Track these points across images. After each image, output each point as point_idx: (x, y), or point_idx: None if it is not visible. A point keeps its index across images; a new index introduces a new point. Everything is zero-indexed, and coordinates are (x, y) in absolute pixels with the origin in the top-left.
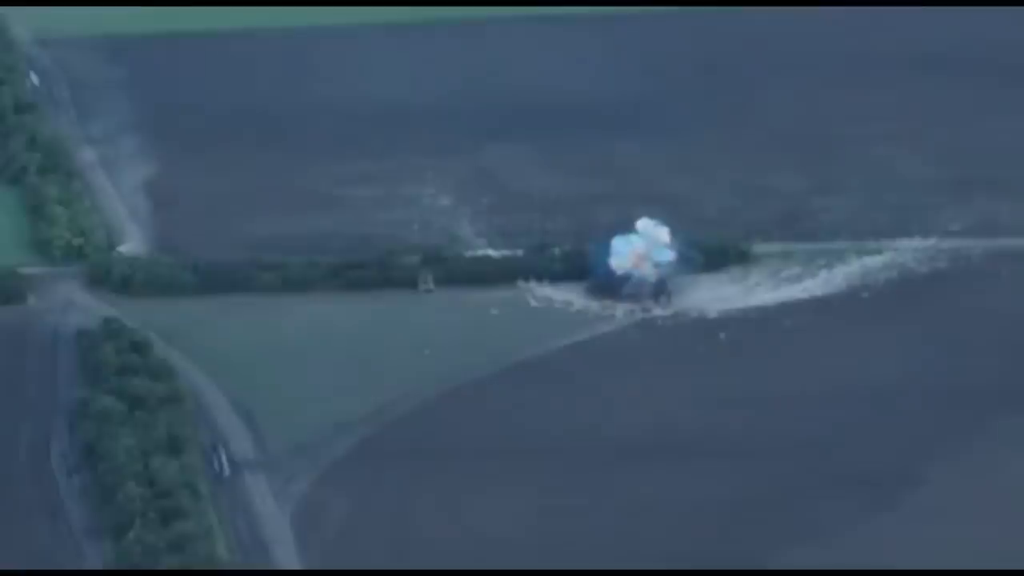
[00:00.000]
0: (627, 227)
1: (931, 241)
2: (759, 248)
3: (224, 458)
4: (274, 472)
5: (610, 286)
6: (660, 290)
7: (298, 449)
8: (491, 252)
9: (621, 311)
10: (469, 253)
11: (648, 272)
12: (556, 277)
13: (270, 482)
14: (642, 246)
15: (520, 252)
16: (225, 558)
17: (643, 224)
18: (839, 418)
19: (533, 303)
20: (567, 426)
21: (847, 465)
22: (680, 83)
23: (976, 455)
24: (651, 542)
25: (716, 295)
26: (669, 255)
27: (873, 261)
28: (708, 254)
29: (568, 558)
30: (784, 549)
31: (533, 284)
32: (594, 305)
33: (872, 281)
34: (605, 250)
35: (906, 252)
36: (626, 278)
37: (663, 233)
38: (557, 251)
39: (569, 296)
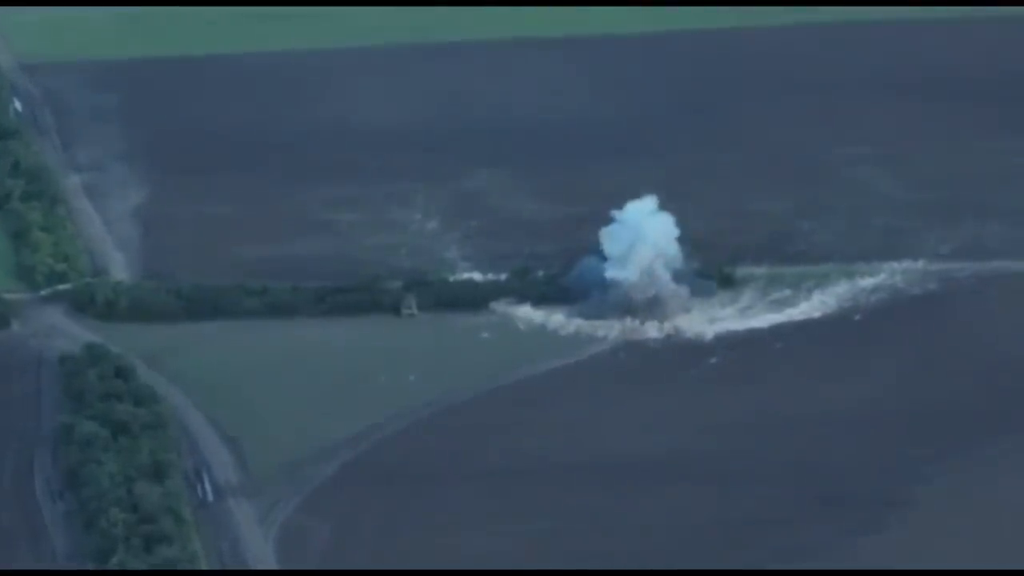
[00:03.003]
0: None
1: (920, 264)
2: (749, 271)
3: (208, 483)
4: (258, 497)
5: (602, 301)
6: (654, 306)
7: (282, 474)
8: (476, 275)
9: (615, 331)
10: (453, 277)
11: (644, 283)
12: (541, 300)
13: (253, 507)
14: (648, 255)
15: (503, 276)
16: None
17: (635, 207)
18: (828, 441)
19: (520, 326)
20: (553, 450)
21: (835, 488)
22: (664, 107)
23: (964, 477)
24: (637, 563)
25: (708, 317)
26: (668, 274)
27: (865, 283)
28: (696, 277)
29: None
30: (774, 570)
31: (514, 307)
32: (585, 326)
33: (864, 303)
34: (596, 267)
35: (896, 275)
36: (620, 291)
37: (661, 226)
38: (542, 274)
39: (555, 318)
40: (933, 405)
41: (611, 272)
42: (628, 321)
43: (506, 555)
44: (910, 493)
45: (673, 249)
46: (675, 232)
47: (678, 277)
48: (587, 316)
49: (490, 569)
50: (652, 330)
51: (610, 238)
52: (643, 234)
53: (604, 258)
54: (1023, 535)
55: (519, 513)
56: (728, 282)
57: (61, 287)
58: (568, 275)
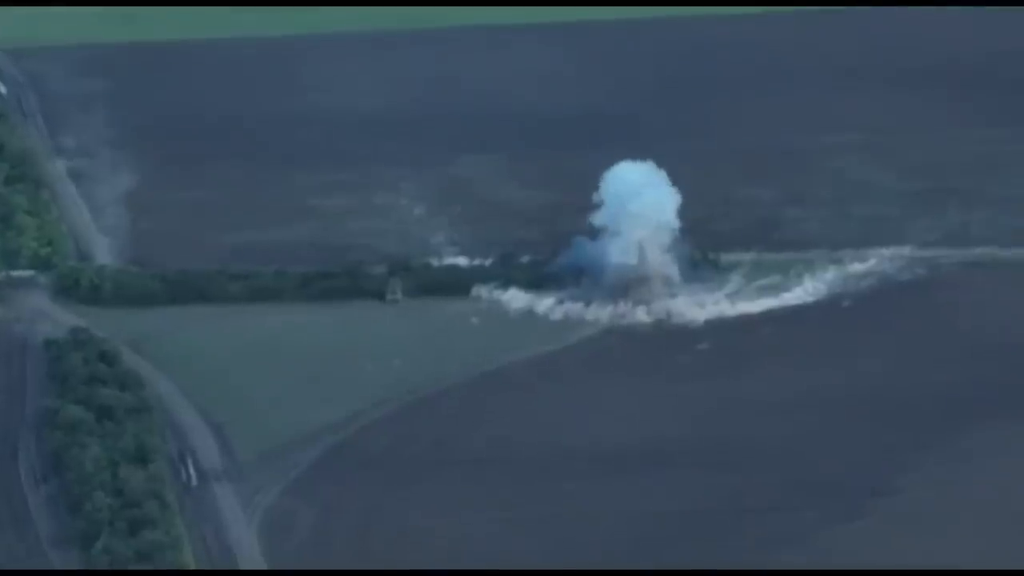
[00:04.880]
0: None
1: (907, 250)
2: (738, 258)
3: (192, 468)
4: (242, 482)
5: (593, 283)
6: (642, 286)
7: (266, 459)
8: (462, 260)
9: (605, 316)
10: (437, 262)
11: (637, 260)
12: (527, 285)
13: (237, 492)
14: (644, 228)
15: (488, 261)
16: (193, 568)
17: (623, 168)
18: (814, 428)
19: (507, 311)
20: (539, 436)
21: (819, 476)
22: (651, 94)
23: (949, 465)
24: (623, 552)
25: (698, 302)
26: (659, 253)
27: (853, 270)
28: (683, 263)
29: (538, 567)
30: (757, 557)
31: (501, 292)
32: (574, 310)
33: (853, 290)
34: (589, 248)
35: (883, 262)
36: (612, 272)
37: (659, 200)
38: (527, 259)
39: (543, 302)
40: (920, 392)
41: (617, 257)
42: (619, 305)
43: (492, 542)
44: (895, 481)
45: (669, 228)
46: (674, 215)
47: (674, 257)
48: (576, 299)
49: (483, 569)
50: (642, 315)
51: (608, 209)
52: (639, 210)
53: (595, 238)
54: (1007, 523)
55: (505, 500)
56: (718, 268)
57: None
58: (560, 256)
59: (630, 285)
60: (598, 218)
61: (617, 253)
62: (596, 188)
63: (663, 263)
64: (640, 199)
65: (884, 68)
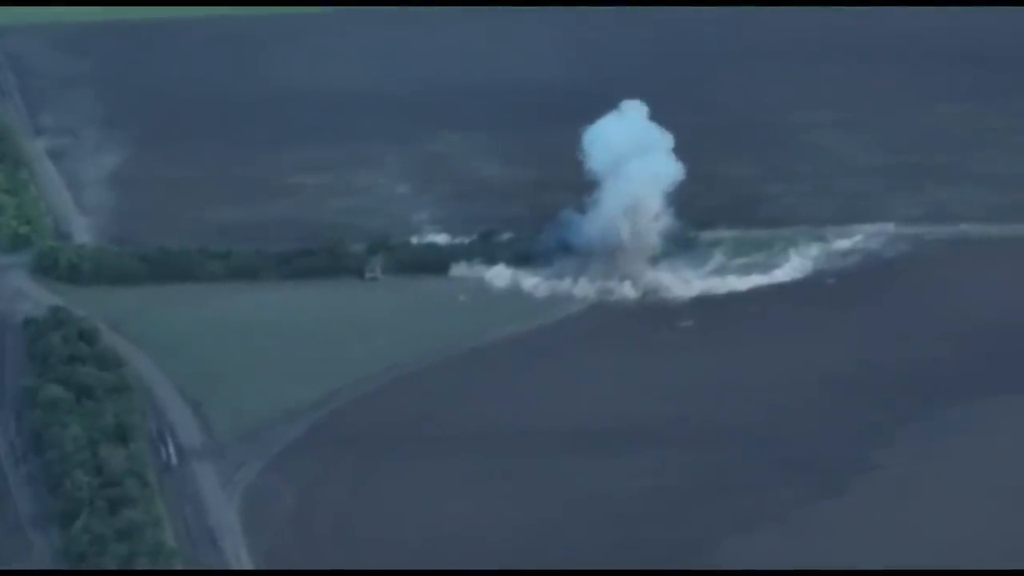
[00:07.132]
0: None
1: (891, 227)
2: (722, 235)
3: (172, 447)
4: (222, 460)
5: (581, 258)
6: (627, 257)
7: (246, 437)
8: (442, 238)
9: (592, 292)
10: (418, 240)
11: (627, 225)
12: (509, 261)
13: (218, 471)
14: (635, 194)
15: (469, 239)
16: (173, 547)
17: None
18: (797, 405)
19: (490, 288)
20: (521, 414)
21: (801, 452)
22: (632, 72)
23: (930, 441)
24: (604, 529)
25: (683, 278)
26: (654, 218)
27: (838, 247)
28: (666, 239)
29: (520, 545)
30: (739, 534)
31: (484, 269)
32: (559, 287)
33: (837, 266)
34: (574, 221)
35: (869, 239)
36: (607, 238)
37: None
38: (507, 236)
39: (528, 280)
40: (904, 369)
41: (605, 225)
42: (606, 280)
43: (475, 519)
44: (875, 457)
45: (660, 195)
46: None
47: (660, 229)
48: (563, 275)
49: (478, 569)
50: (628, 290)
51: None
52: (635, 174)
53: (583, 210)
54: (987, 500)
55: (488, 477)
56: (700, 245)
57: None
58: (545, 231)
59: (617, 255)
60: (590, 165)
61: (606, 221)
62: (578, 165)
63: (650, 231)
64: (633, 164)
65: (864, 46)
